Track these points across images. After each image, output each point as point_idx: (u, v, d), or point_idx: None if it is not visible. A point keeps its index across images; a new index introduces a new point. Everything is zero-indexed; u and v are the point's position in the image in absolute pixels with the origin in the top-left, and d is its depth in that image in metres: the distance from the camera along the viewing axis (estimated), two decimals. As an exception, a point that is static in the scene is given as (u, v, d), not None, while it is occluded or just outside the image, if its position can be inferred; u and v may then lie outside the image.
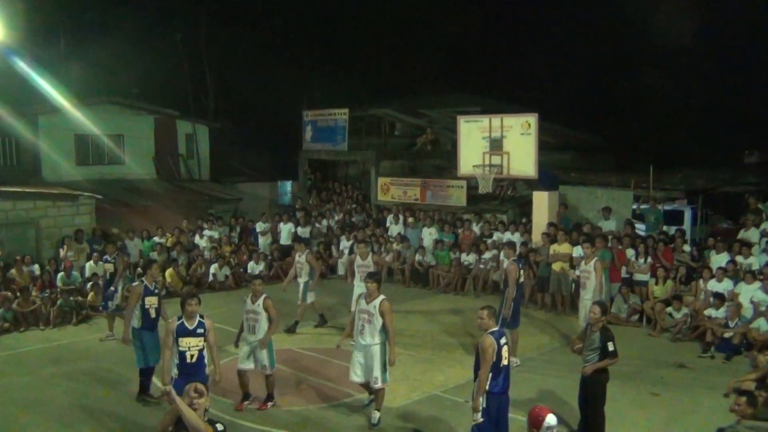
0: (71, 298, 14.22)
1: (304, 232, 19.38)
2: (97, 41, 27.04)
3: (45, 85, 21.21)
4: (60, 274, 14.98)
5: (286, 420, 8.98)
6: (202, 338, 7.96)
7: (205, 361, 8.08)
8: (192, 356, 7.91)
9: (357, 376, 8.78)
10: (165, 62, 27.06)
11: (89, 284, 14.93)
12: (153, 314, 9.63)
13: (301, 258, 13.25)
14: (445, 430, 8.65)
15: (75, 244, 16.57)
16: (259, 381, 9.43)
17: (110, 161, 22.85)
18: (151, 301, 9.62)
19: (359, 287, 12.38)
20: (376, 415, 8.73)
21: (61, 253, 16.37)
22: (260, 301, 9.11)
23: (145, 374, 9.66)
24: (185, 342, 7.89)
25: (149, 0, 28.47)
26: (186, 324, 7.95)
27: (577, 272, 12.79)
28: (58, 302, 14.02)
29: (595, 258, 11.81)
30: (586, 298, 11.45)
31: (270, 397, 9.33)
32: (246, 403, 9.31)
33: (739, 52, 27.08)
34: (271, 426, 8.81)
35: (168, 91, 26.69)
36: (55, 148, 21.06)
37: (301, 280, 13.18)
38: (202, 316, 8.07)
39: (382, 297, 8.66)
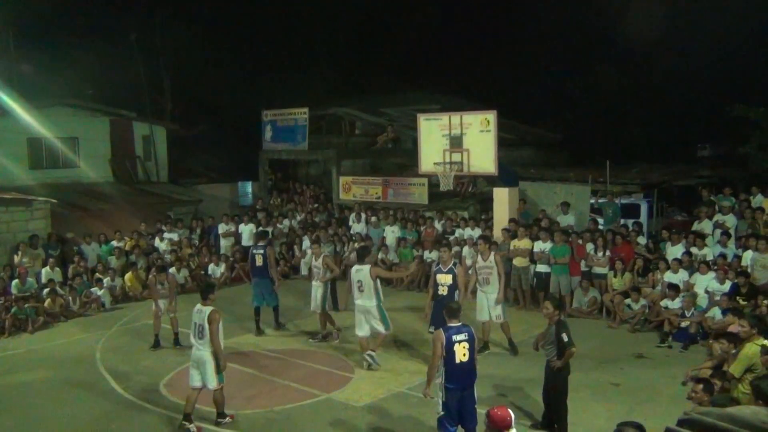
0: (27, 306, 13.86)
1: (265, 232, 19.22)
2: (49, 42, 26.41)
3: (-6, 87, 20.63)
4: (14, 281, 14.59)
5: (253, 421, 8.92)
6: None
7: None
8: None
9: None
10: (120, 63, 26.53)
11: (45, 290, 14.60)
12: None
13: None
14: (411, 426, 8.68)
15: (30, 250, 16.15)
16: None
17: (65, 165, 22.31)
18: None
19: (315, 287, 12.55)
20: None
21: (16, 259, 15.94)
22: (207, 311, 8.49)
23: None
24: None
25: (103, -1, 27.96)
26: None
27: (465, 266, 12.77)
28: (13, 310, 13.64)
29: (492, 253, 11.59)
30: (489, 293, 11.34)
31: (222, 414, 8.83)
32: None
33: (690, 48, 27.74)
34: (234, 429, 8.73)
35: (124, 92, 26.16)
36: (7, 152, 20.42)
37: None
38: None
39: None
